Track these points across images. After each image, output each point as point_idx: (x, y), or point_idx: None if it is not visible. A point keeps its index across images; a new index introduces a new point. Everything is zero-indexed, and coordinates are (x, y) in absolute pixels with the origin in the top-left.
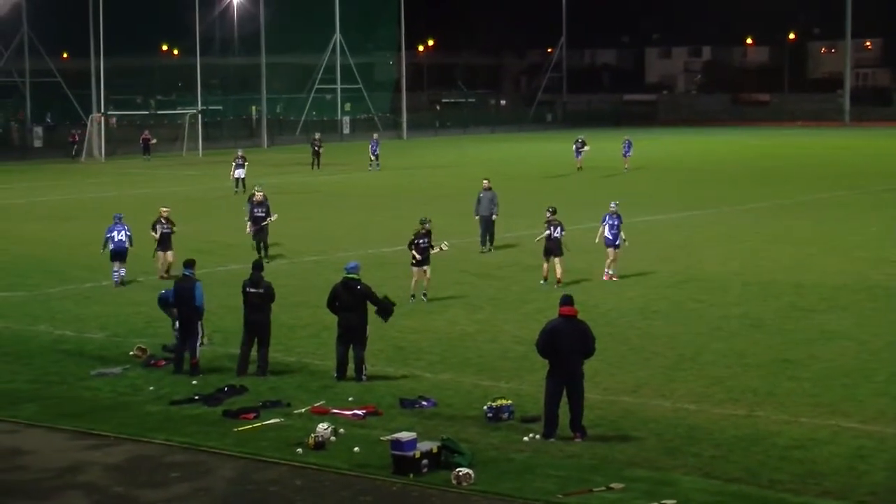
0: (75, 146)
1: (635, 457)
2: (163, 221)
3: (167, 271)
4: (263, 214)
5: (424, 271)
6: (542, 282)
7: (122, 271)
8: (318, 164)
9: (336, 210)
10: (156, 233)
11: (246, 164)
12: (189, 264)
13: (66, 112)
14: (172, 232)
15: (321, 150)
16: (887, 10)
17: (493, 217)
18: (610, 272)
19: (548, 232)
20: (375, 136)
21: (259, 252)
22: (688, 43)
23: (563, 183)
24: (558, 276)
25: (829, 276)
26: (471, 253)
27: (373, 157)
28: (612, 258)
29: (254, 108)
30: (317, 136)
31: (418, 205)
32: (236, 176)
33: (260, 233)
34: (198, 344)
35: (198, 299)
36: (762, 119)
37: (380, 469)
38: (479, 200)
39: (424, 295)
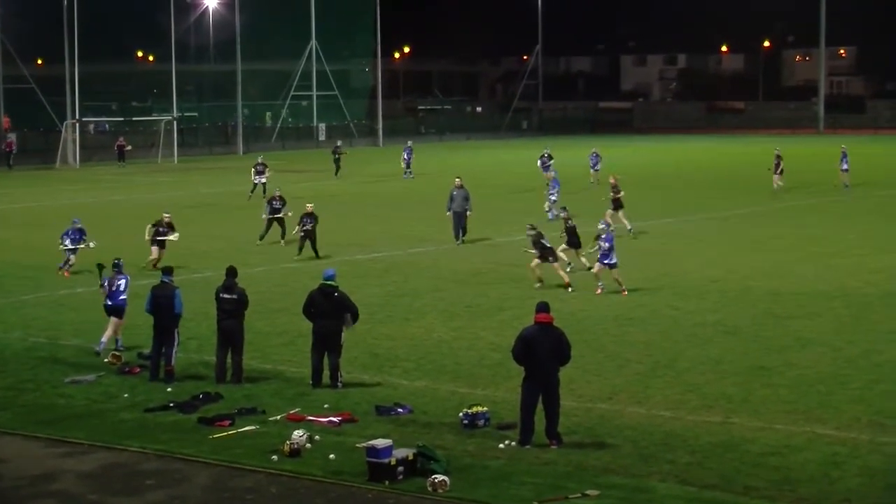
0: (11, 156)
1: (611, 464)
2: (164, 225)
3: (154, 265)
4: (279, 207)
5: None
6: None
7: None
8: (338, 172)
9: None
10: (151, 235)
11: (267, 170)
12: (167, 271)
13: (40, 118)
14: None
15: (341, 158)
16: (861, 19)
17: (468, 213)
18: (603, 286)
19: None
20: (409, 143)
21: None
22: (663, 51)
23: (539, 195)
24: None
25: (806, 282)
26: (447, 260)
27: (405, 166)
28: (613, 276)
29: (267, 114)
30: (338, 143)
31: (394, 211)
32: (256, 181)
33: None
34: (174, 351)
35: (177, 307)
36: (737, 127)
37: (355, 476)
38: (451, 198)
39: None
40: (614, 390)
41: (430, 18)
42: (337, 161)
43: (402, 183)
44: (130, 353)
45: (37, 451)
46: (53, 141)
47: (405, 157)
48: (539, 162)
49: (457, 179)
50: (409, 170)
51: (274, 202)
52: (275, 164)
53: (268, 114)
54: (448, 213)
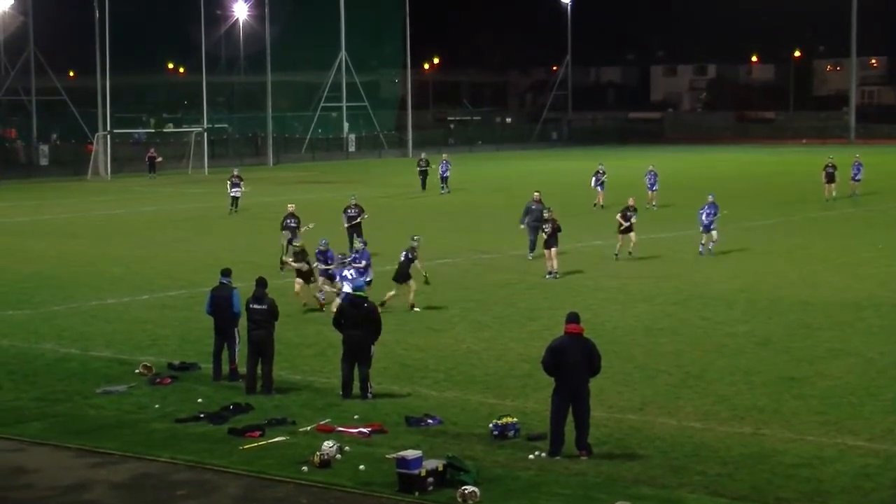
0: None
1: (641, 475)
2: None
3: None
4: (295, 225)
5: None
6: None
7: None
8: (425, 186)
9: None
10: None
11: (242, 182)
12: (226, 272)
13: (72, 130)
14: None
15: (428, 172)
16: (893, 29)
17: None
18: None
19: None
20: (445, 156)
21: (282, 253)
22: (693, 61)
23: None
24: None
25: (836, 293)
26: (476, 270)
27: (442, 181)
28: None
29: (294, 125)
30: (423, 156)
31: (423, 222)
32: (233, 194)
33: (293, 238)
34: (236, 349)
35: (235, 306)
36: (767, 137)
37: (385, 487)
38: (528, 211)
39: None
40: (644, 401)
41: (459, 29)
42: (423, 174)
43: (432, 195)
44: (160, 360)
45: (68, 462)
46: (85, 152)
47: (441, 171)
48: (593, 179)
49: (535, 193)
50: (445, 185)
51: (350, 210)
52: (304, 175)
53: (295, 125)
54: (522, 226)
